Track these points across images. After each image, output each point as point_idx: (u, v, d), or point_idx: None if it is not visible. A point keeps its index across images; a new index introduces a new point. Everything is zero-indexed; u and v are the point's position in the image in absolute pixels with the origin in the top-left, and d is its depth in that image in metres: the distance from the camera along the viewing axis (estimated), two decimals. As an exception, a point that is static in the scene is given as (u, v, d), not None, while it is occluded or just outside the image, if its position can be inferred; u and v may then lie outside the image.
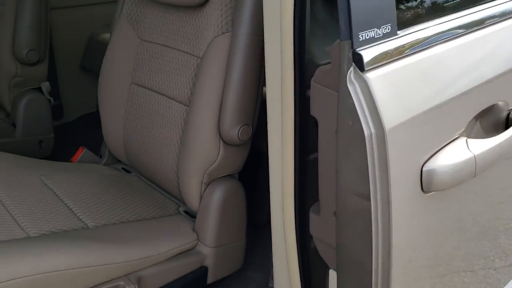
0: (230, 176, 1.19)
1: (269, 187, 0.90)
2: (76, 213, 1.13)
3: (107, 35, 2.27)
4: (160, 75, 1.27)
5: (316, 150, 0.82)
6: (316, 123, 0.81)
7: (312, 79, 0.79)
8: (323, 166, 0.82)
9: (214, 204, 1.15)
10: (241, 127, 1.09)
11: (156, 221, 1.19)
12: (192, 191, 1.15)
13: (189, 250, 1.15)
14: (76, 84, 2.40)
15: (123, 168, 1.48)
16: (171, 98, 1.23)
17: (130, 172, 1.44)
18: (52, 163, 1.41)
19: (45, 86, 1.78)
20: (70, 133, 2.36)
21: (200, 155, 1.11)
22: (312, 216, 0.87)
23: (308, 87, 0.81)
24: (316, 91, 0.79)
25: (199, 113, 1.11)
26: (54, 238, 1.02)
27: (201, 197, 1.16)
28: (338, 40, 0.72)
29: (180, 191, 1.21)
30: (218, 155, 1.11)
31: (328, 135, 0.78)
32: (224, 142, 1.11)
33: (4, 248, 0.96)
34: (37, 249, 0.97)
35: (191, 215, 1.25)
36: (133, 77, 1.35)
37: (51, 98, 1.79)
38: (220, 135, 1.10)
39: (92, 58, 2.29)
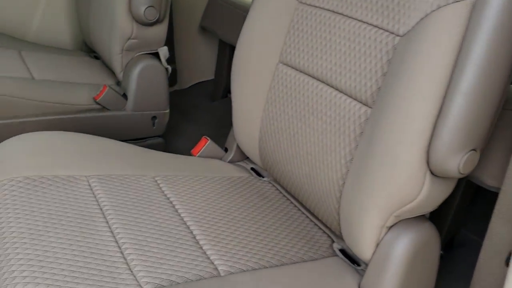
0: (421, 216, 0.80)
1: None
2: (202, 246, 0.81)
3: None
4: (326, 57, 0.88)
5: None
6: None
7: None
8: None
9: (398, 256, 0.77)
10: (465, 154, 0.69)
11: (307, 267, 0.84)
12: (364, 234, 0.78)
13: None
14: (194, 47, 2.11)
15: (252, 169, 1.15)
16: (341, 92, 0.85)
17: (262, 176, 1.11)
18: (168, 156, 1.10)
19: (163, 51, 1.48)
20: (184, 103, 2.09)
21: (389, 189, 0.73)
22: None
23: None
24: None
25: (394, 122, 0.72)
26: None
27: (377, 244, 0.79)
28: None
29: (341, 226, 0.85)
30: (419, 192, 0.72)
31: None
32: (432, 173, 0.71)
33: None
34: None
35: (349, 256, 0.89)
36: (281, 55, 0.99)
37: (168, 66, 1.50)
38: (428, 163, 0.70)
39: (213, 18, 1.97)
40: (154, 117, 1.51)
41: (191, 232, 0.84)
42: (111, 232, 0.79)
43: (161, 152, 1.10)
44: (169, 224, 0.85)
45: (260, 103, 1.03)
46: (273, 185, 1.08)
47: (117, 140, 1.49)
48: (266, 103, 1.02)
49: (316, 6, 0.92)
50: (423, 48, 0.69)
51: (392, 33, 0.77)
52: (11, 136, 1.32)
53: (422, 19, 0.71)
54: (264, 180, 1.09)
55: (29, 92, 1.31)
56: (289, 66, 0.97)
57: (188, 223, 0.86)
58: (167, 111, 1.54)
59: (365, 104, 0.80)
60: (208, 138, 1.17)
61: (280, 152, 0.99)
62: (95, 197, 0.87)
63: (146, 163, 1.02)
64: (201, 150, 1.15)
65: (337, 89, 0.86)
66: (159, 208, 0.88)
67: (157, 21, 1.41)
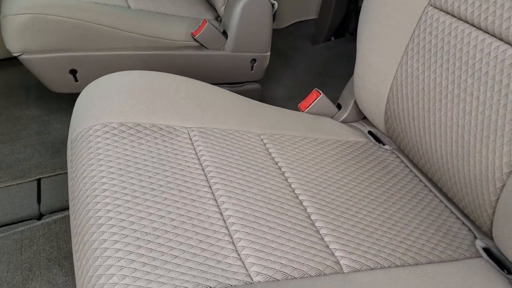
0: None
1: None
2: (319, 230, 0.67)
3: None
4: (501, 1, 0.67)
5: None
6: None
7: None
8: None
9: None
10: None
11: (446, 269, 0.68)
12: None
13: None
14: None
15: (370, 133, 0.97)
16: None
17: (383, 144, 0.93)
18: (274, 110, 0.95)
19: (270, -16, 1.30)
20: (282, 45, 1.91)
21: None
22: None
23: None
24: None
25: None
26: None
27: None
28: None
29: (493, 223, 0.67)
30: None
31: None
32: None
33: None
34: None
35: (496, 258, 0.71)
36: (433, -5, 0.78)
37: (275, 1, 1.31)
38: None
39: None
40: (253, 60, 1.36)
41: (305, 210, 0.70)
42: (215, 200, 0.67)
43: (267, 105, 0.95)
44: (279, 197, 0.71)
45: (396, 55, 0.84)
46: (397, 156, 0.90)
47: (213, 83, 1.38)
48: (404, 56, 0.82)
49: None
50: None
51: None
52: (104, 69, 1.23)
53: None
54: (387, 149, 0.92)
55: (124, 23, 1.20)
56: (444, 12, 0.76)
57: (301, 198, 0.72)
58: (268, 53, 1.38)
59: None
60: (320, 91, 1.00)
61: (415, 119, 0.81)
62: (196, 154, 0.74)
63: (251, 118, 0.87)
64: (311, 105, 0.99)
65: (516, 47, 0.65)
66: (267, 175, 0.74)
67: None
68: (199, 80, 1.35)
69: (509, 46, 0.66)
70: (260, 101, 1.51)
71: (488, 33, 0.69)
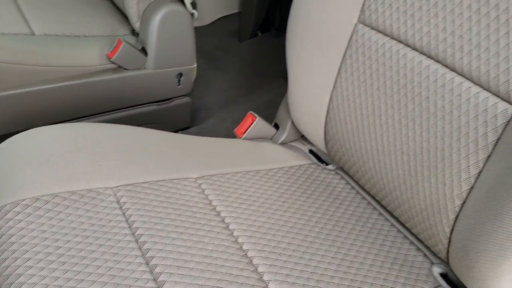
0: None
1: None
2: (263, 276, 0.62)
3: None
4: (437, 21, 0.62)
5: None
6: None
7: None
8: None
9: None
10: None
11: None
12: (500, 282, 0.58)
13: None
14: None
15: (312, 152, 0.93)
16: (463, 77, 0.60)
17: (327, 164, 0.89)
18: (209, 143, 0.88)
19: (187, -7, 1.20)
20: (207, 44, 1.81)
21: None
22: None
23: None
24: None
25: None
26: None
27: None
28: None
29: (450, 255, 0.64)
30: None
31: None
32: None
33: None
34: None
35: (453, 282, 0.69)
36: (362, 11, 0.72)
37: (194, 11, 1.22)
38: None
39: None
40: (179, 74, 1.27)
41: (251, 262, 0.64)
42: (147, 264, 0.59)
43: (203, 140, 0.88)
44: (221, 252, 0.64)
45: (330, 77, 0.79)
46: (342, 177, 0.86)
47: (138, 104, 1.28)
48: (338, 77, 0.77)
49: None
50: None
51: None
52: (10, 111, 1.09)
53: None
54: (330, 170, 0.87)
55: (27, 57, 1.06)
56: (375, 30, 0.71)
57: (245, 247, 0.65)
58: (194, 65, 1.29)
59: (505, 100, 0.56)
60: (255, 114, 0.93)
61: (356, 143, 0.77)
62: (126, 219, 0.66)
63: (186, 160, 0.79)
64: (247, 131, 0.92)
65: (455, 72, 0.61)
66: (204, 226, 0.67)
67: (179, -45, 1.12)
68: (123, 102, 1.25)
69: (448, 70, 0.62)
70: (191, 114, 1.43)
71: (425, 55, 0.65)
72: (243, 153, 0.87)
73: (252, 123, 0.92)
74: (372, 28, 0.72)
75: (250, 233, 0.68)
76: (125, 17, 1.31)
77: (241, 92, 1.59)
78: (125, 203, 0.68)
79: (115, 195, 0.69)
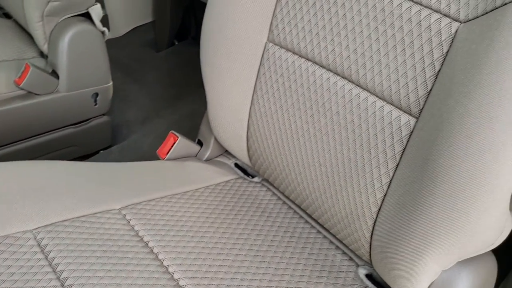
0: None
1: None
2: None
3: None
4: (340, 40, 0.65)
5: None
6: None
7: None
8: None
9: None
10: None
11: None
12: (413, 277, 0.62)
13: None
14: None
15: (237, 165, 0.94)
16: (368, 92, 0.64)
17: (252, 176, 0.90)
18: (131, 169, 0.86)
19: (96, 10, 1.16)
20: (123, 57, 1.77)
21: (458, 237, 0.55)
22: None
23: None
24: None
25: (463, 150, 0.52)
26: None
27: (429, 286, 0.63)
28: None
29: (373, 257, 0.68)
30: (497, 238, 0.55)
31: None
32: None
33: None
34: None
35: (378, 281, 0.73)
36: (271, 31, 0.74)
37: (105, 29, 1.19)
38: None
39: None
40: (95, 94, 1.23)
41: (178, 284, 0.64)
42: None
43: (124, 165, 0.86)
44: (154, 286, 0.64)
45: (247, 94, 0.80)
46: (268, 189, 0.88)
47: (54, 129, 1.22)
48: (255, 95, 0.79)
49: (320, -32, 0.67)
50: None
51: (454, 19, 0.55)
52: None
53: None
54: (256, 183, 0.89)
55: None
56: (284, 48, 0.73)
57: (176, 276, 0.66)
58: (110, 83, 1.26)
59: (407, 113, 0.60)
60: (177, 134, 0.93)
61: (278, 157, 0.79)
62: (49, 263, 0.63)
63: (108, 191, 0.77)
64: (170, 151, 0.92)
65: (360, 87, 0.65)
66: (132, 260, 0.67)
67: (83, -26, 1.08)
68: (38, 129, 1.19)
69: (354, 85, 0.65)
70: (112, 132, 1.40)
71: (332, 72, 0.68)
72: (167, 176, 0.86)
73: (174, 143, 0.91)
74: (281, 46, 0.74)
75: (180, 260, 0.68)
76: (32, 38, 1.25)
77: (162, 104, 1.57)
78: (46, 245, 0.66)
79: (35, 238, 0.66)
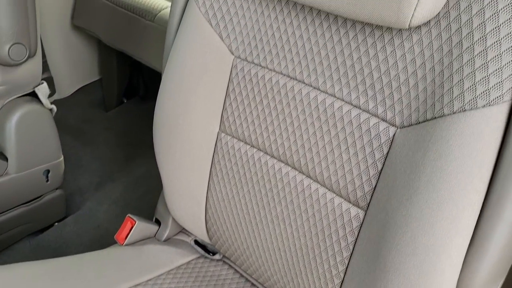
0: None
1: None
2: None
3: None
4: (287, 135, 0.69)
5: None
6: None
7: None
8: None
9: None
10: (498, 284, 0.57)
11: None
12: None
13: None
14: (69, 45, 1.75)
15: (196, 242, 0.95)
16: (318, 183, 0.67)
17: (213, 253, 0.92)
18: (87, 262, 0.85)
19: (42, 89, 1.15)
20: (72, 118, 1.74)
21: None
22: None
23: None
24: None
25: (406, 244, 0.56)
26: None
27: None
28: None
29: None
30: None
31: None
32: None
33: None
34: None
35: None
36: (222, 122, 0.77)
37: (53, 106, 1.18)
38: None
39: (86, 14, 1.62)
40: (46, 171, 1.21)
41: None
42: None
43: (73, 258, 0.84)
44: None
45: (203, 179, 0.82)
46: (230, 266, 0.89)
47: (4, 211, 1.19)
48: (211, 180, 0.81)
49: (265, 67, 0.70)
50: (448, 148, 0.53)
51: (384, 120, 0.59)
52: None
53: (435, 117, 0.54)
54: (218, 260, 0.90)
55: None
56: (236, 138, 0.76)
57: None
58: (61, 158, 1.24)
59: (356, 206, 0.64)
60: (134, 218, 0.93)
61: (238, 239, 0.81)
62: None
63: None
64: (129, 236, 0.92)
65: (311, 178, 0.68)
66: None
67: (29, 57, 1.07)
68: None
69: (305, 177, 0.69)
70: (66, 201, 1.37)
71: (283, 162, 0.71)
72: (128, 264, 0.86)
73: (132, 228, 0.92)
74: (233, 136, 0.77)
75: None
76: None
77: (115, 167, 1.56)
78: None
79: None
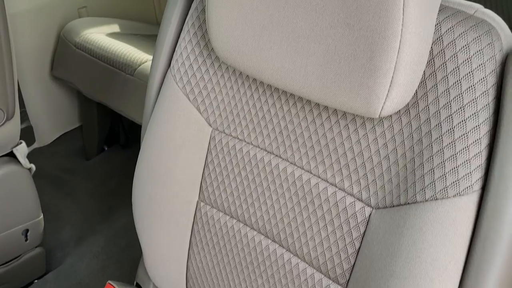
0: None
1: None
2: None
3: (86, 32, 1.60)
4: (266, 208, 0.70)
5: None
6: None
7: None
8: None
9: None
10: None
11: None
12: None
13: None
14: (48, 94, 1.74)
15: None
16: (298, 258, 0.67)
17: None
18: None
19: (21, 150, 1.14)
20: (52, 168, 1.72)
21: None
22: None
23: None
24: None
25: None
26: None
27: None
28: None
29: None
30: None
31: None
32: None
33: None
34: None
35: None
36: (201, 191, 0.77)
37: (32, 165, 1.17)
38: None
39: (66, 66, 1.62)
40: (25, 230, 1.19)
41: None
42: None
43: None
44: None
45: (183, 249, 0.82)
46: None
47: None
48: (191, 250, 0.81)
49: (242, 140, 0.71)
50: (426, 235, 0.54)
51: (360, 200, 0.61)
52: None
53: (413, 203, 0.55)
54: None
55: None
56: (216, 209, 0.77)
57: None
58: (41, 217, 1.22)
59: (336, 282, 0.64)
60: (114, 284, 0.92)
61: (220, 309, 0.80)
62: None
63: None
64: (110, 304, 0.90)
65: (291, 252, 0.69)
66: None
67: (6, 120, 1.07)
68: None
69: (285, 251, 0.69)
70: (45, 262, 1.34)
71: (263, 235, 0.71)
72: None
73: (113, 295, 0.90)
74: (213, 207, 0.77)
75: None
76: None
77: (96, 218, 1.54)
78: None
79: None
